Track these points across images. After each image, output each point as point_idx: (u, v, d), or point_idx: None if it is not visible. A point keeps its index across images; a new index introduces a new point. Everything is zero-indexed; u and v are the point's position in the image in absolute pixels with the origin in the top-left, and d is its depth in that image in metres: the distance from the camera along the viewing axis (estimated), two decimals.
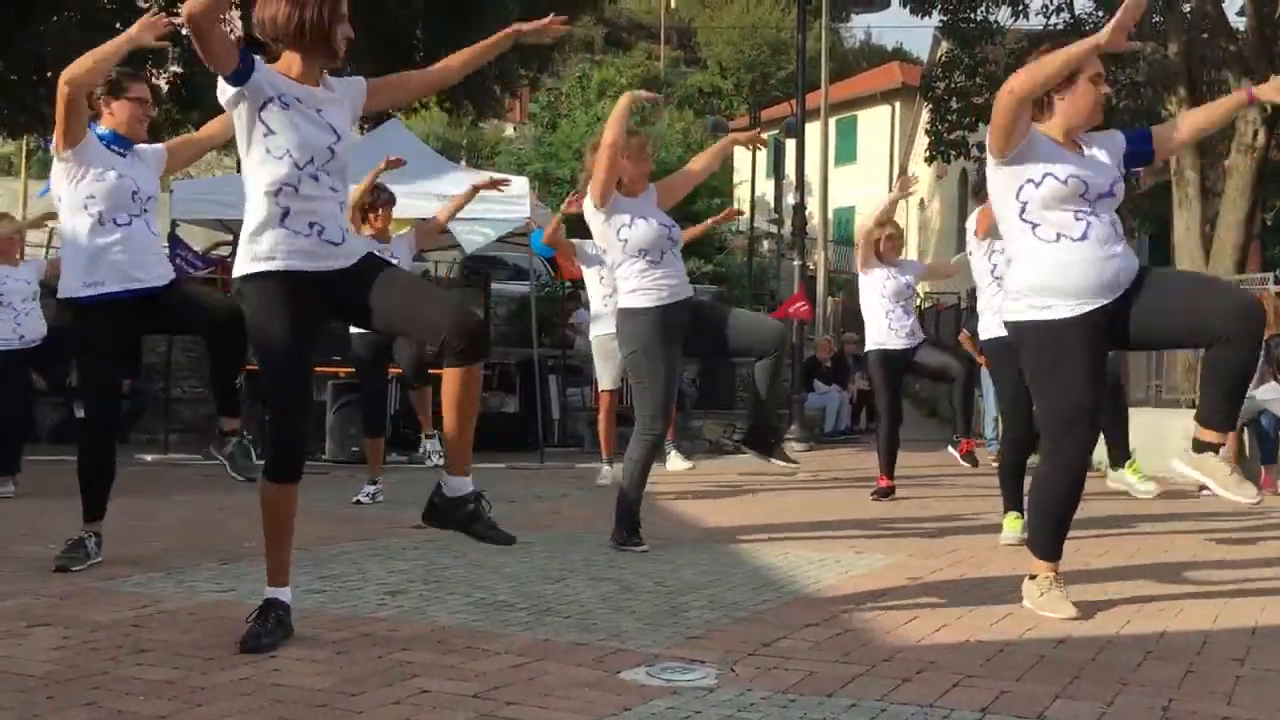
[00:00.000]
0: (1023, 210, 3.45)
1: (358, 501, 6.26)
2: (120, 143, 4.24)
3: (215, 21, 2.95)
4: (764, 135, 5.52)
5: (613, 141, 4.70)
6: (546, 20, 3.44)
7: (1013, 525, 5.09)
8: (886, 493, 6.98)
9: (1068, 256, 3.39)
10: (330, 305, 3.14)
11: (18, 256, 6.88)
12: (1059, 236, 3.41)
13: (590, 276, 7.83)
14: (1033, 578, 3.60)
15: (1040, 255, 3.43)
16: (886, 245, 6.98)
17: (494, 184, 6.94)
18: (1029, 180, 3.42)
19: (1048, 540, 3.57)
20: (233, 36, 3.25)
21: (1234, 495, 3.49)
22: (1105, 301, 3.39)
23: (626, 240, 4.81)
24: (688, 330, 4.89)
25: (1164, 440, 7.28)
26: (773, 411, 5.01)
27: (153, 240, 4.26)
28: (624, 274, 4.87)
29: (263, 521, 3.16)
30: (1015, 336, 3.59)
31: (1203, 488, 3.65)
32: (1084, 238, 3.39)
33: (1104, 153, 3.51)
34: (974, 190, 6.39)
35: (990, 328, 5.10)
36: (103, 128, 4.23)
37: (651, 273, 4.81)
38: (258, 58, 3.06)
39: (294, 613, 3.16)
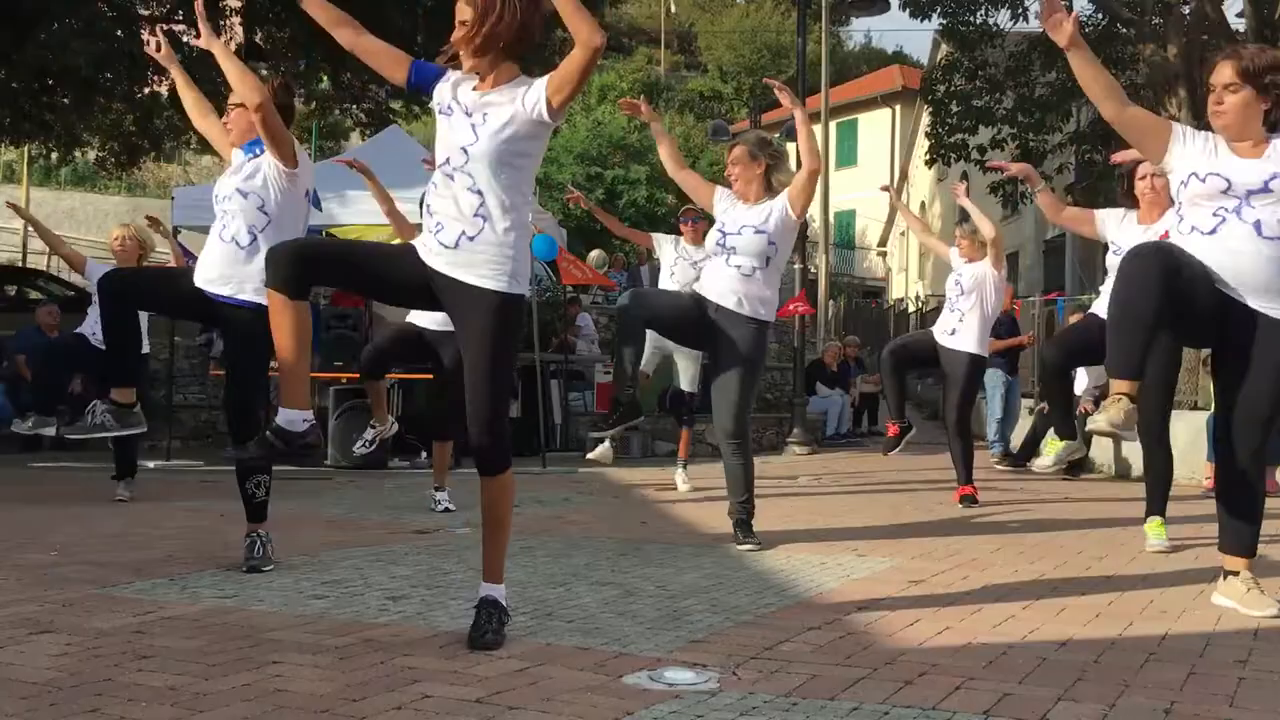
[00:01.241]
0: (1179, 209, 3.62)
1: (356, 451, 6.33)
2: (244, 148, 4.41)
3: (361, 42, 3.31)
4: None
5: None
6: None
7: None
8: (894, 443, 6.96)
9: (1194, 247, 3.49)
10: (436, 298, 3.26)
11: (134, 260, 6.84)
12: (1192, 230, 3.53)
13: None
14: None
15: (1178, 242, 3.55)
16: (962, 245, 6.94)
17: None
18: (1180, 181, 3.58)
19: (1126, 351, 3.43)
20: (389, 49, 3.35)
21: (1253, 611, 3.53)
22: (1222, 287, 3.45)
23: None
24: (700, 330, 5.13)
25: None
26: (745, 503, 5.09)
27: (215, 244, 4.29)
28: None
29: (275, 341, 3.31)
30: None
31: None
32: (1214, 232, 3.48)
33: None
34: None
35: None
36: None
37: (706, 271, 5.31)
38: (450, 72, 3.26)
39: (296, 618, 3.16)
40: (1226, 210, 3.46)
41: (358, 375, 7.04)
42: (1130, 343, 3.43)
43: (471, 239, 3.13)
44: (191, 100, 4.57)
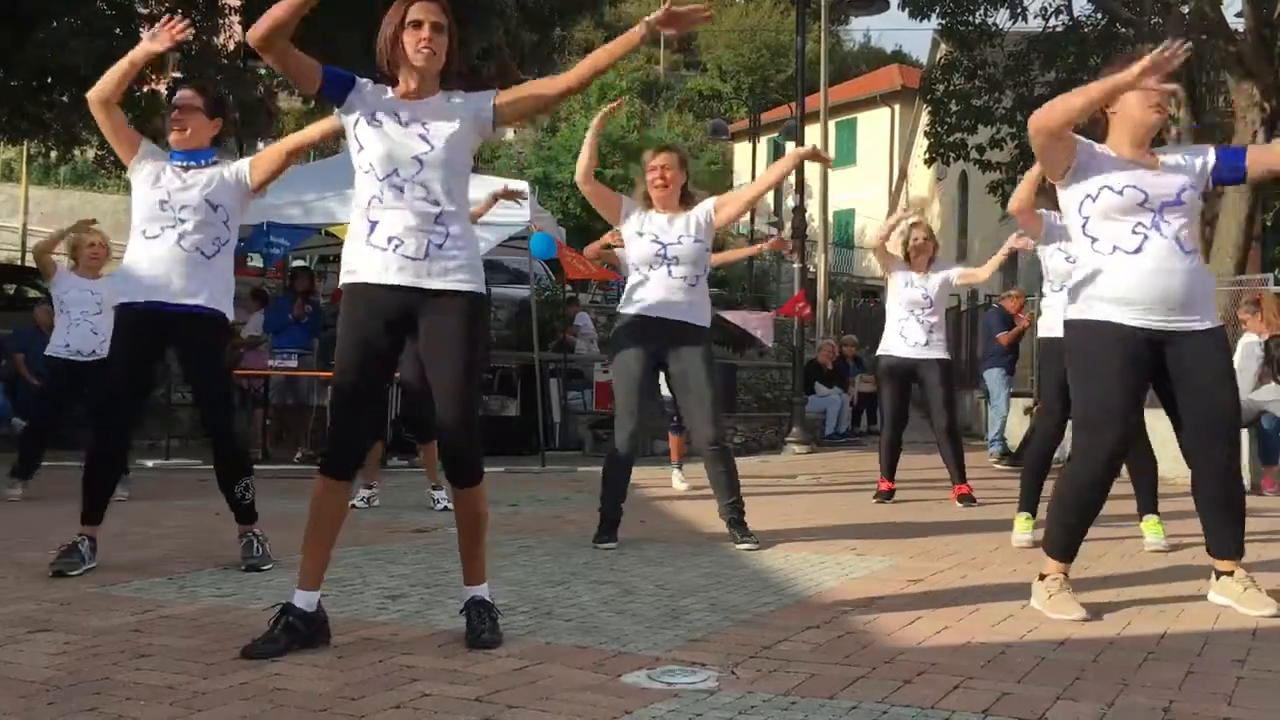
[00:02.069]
0: (1085, 225, 3.53)
1: (353, 506, 6.26)
2: (182, 156, 4.28)
3: (282, 48, 3.04)
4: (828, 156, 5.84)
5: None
6: (691, 8, 3.21)
7: (1024, 526, 5.09)
8: (887, 496, 6.99)
9: (1120, 268, 3.44)
10: (404, 322, 3.16)
11: (101, 270, 6.87)
12: (1114, 249, 3.46)
13: None
14: (1042, 577, 3.61)
15: (1094, 266, 3.50)
16: (914, 251, 6.91)
17: (511, 195, 6.90)
18: (1087, 195, 3.50)
19: (1063, 539, 3.58)
20: (305, 58, 3.22)
21: (1251, 611, 3.53)
22: (1154, 317, 3.43)
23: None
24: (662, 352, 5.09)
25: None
26: (735, 503, 5.13)
27: (181, 255, 4.19)
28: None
29: (307, 517, 3.18)
30: (1065, 335, 3.66)
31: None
32: (1139, 251, 3.43)
33: (1183, 164, 3.53)
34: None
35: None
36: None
37: (639, 286, 5.12)
38: (361, 79, 3.18)
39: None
40: (1145, 226, 3.43)
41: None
42: (1078, 532, 3.58)
43: (440, 247, 3.11)
44: (115, 84, 4.17)
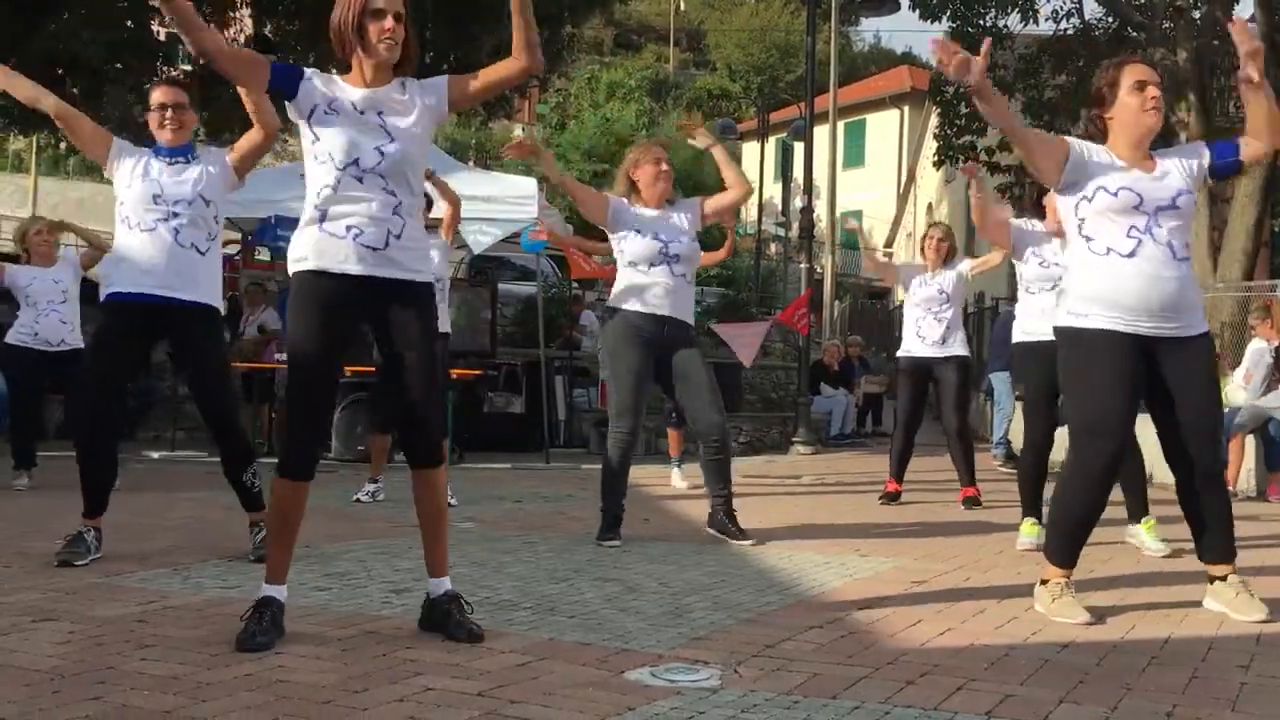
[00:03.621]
0: (1081, 225, 3.52)
1: (358, 500, 6.27)
2: (169, 153, 4.27)
3: (217, 52, 3.06)
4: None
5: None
6: None
7: (1029, 531, 5.08)
8: (893, 497, 6.98)
9: (1114, 271, 3.44)
10: (363, 311, 3.16)
11: (55, 256, 6.89)
12: (1108, 251, 3.46)
13: None
14: (1045, 582, 3.60)
15: (1088, 267, 3.49)
16: (929, 249, 6.91)
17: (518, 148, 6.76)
18: (1083, 197, 3.50)
19: (1064, 547, 3.58)
20: (250, 56, 3.23)
21: (1242, 616, 3.53)
22: (1147, 323, 3.43)
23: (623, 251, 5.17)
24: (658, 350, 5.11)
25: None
26: (726, 498, 5.18)
27: (177, 249, 4.19)
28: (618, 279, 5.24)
29: (269, 517, 3.17)
30: (1057, 341, 3.65)
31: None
32: (1132, 255, 3.43)
33: (1178, 166, 3.53)
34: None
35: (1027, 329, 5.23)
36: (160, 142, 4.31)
37: (639, 282, 5.12)
38: (309, 70, 3.18)
39: (299, 610, 3.17)
40: (1139, 230, 3.43)
41: (367, 369, 7.06)
42: (1078, 539, 3.57)
43: (399, 237, 3.12)
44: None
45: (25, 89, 4.25)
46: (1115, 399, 3.44)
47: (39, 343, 6.69)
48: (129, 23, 12.13)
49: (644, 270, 5.09)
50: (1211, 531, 3.59)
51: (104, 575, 3.94)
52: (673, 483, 7.66)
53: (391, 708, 2.48)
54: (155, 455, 8.88)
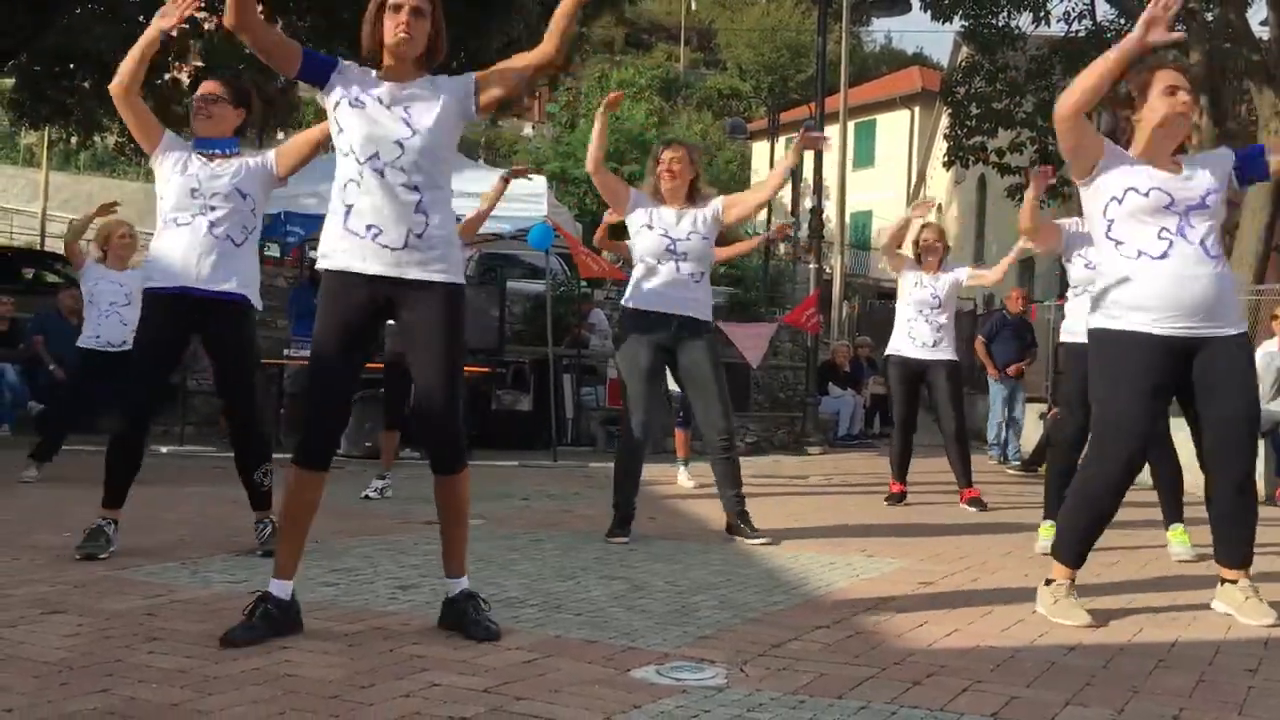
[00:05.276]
0: (1109, 228, 3.50)
1: (366, 497, 6.28)
2: (206, 145, 4.30)
3: (255, 26, 3.08)
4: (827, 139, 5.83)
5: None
6: None
7: (1048, 534, 5.06)
8: (899, 498, 6.98)
9: (1146, 273, 3.42)
10: (386, 310, 3.16)
11: (131, 262, 6.92)
12: (1139, 254, 3.44)
13: None
14: (1048, 583, 3.59)
15: (1120, 271, 3.47)
16: (924, 251, 6.90)
17: (519, 173, 6.93)
18: (1112, 198, 3.47)
19: (1074, 545, 3.57)
20: (284, 40, 3.23)
21: (1249, 620, 3.52)
22: (1180, 324, 3.41)
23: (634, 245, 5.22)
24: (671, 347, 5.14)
25: None
26: (740, 497, 5.23)
27: (212, 242, 4.20)
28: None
29: (281, 510, 3.19)
30: (1088, 342, 3.64)
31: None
32: (1164, 256, 3.41)
33: (1205, 169, 3.51)
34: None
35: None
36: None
37: (646, 279, 5.16)
38: (345, 62, 3.19)
39: (305, 605, 3.17)
40: (1170, 231, 3.41)
41: (375, 365, 7.07)
42: (1089, 537, 3.57)
43: (420, 236, 3.10)
44: (133, 70, 4.17)
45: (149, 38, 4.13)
46: (1137, 401, 3.43)
47: (101, 344, 6.83)
48: (140, 18, 12.16)
49: (652, 265, 5.13)
50: (1233, 534, 3.57)
51: (112, 569, 3.96)
52: (679, 482, 7.66)
53: (398, 703, 2.49)
54: (164, 449, 8.90)
